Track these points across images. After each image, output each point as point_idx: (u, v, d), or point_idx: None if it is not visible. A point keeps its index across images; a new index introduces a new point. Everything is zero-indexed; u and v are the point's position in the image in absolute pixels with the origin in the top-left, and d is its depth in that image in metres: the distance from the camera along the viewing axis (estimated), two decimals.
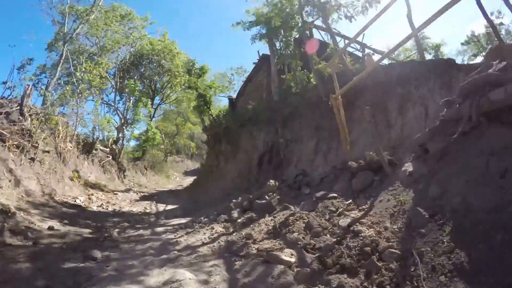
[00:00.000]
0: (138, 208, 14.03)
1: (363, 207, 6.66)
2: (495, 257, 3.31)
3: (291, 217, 6.98)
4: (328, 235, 5.83)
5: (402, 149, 8.80)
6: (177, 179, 35.48)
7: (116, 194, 17.36)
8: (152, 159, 33.13)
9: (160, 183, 30.06)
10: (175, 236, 8.13)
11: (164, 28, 31.57)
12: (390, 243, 4.71)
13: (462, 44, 30.23)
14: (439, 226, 4.30)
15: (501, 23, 27.61)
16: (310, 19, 17.39)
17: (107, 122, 23.74)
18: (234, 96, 28.43)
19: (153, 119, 34.91)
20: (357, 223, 5.75)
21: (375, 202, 6.51)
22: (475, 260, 3.46)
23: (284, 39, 17.70)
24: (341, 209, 6.79)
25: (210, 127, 23.73)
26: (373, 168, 7.96)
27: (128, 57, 28.91)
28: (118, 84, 26.86)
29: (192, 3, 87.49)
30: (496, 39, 11.87)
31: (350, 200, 7.21)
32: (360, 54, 21.13)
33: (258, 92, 22.14)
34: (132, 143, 33.28)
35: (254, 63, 22.33)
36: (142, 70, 32.49)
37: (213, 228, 8.09)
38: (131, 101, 27.52)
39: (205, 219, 9.21)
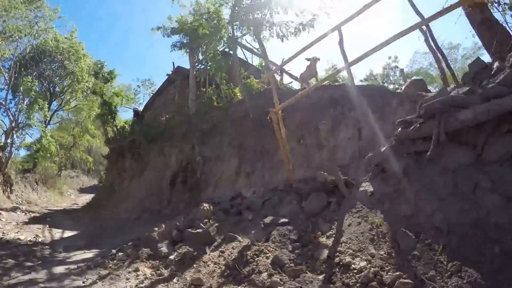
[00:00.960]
0: (27, 234, 10.72)
1: (329, 233, 5.82)
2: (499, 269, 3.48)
3: (247, 251, 5.74)
4: (310, 273, 4.88)
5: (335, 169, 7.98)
6: (71, 196, 30.96)
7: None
8: (45, 172, 28.26)
9: (53, 200, 25.71)
10: (84, 282, 5.86)
11: (73, 24, 27.43)
12: (397, 273, 4.14)
13: (361, 80, 31.59)
14: (427, 246, 4.27)
15: (396, 67, 30.32)
16: (238, 34, 15.81)
17: None
18: (140, 109, 25.48)
19: (48, 126, 30.34)
20: (337, 253, 5.06)
21: (343, 226, 5.76)
22: (487, 275, 3.51)
23: (208, 50, 15.78)
24: (304, 237, 5.91)
25: (114, 140, 20.60)
26: (327, 189, 7.15)
27: (28, 50, 24.48)
28: (13, 79, 22.39)
29: (109, 6, 79.46)
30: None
31: (309, 226, 6.26)
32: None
33: (168, 106, 19.87)
34: (23, 152, 28.31)
35: (167, 74, 20.04)
36: (42, 68, 28.02)
37: (138, 270, 6.23)
38: (25, 102, 23.15)
39: (120, 253, 7.25)
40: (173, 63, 19.93)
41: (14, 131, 22.20)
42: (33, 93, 22.65)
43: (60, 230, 12.03)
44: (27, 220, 13.78)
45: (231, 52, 15.29)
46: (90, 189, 35.39)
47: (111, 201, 18.10)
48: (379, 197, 5.75)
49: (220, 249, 6.37)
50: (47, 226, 12.58)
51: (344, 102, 10.16)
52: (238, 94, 14.54)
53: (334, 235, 5.62)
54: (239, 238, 6.55)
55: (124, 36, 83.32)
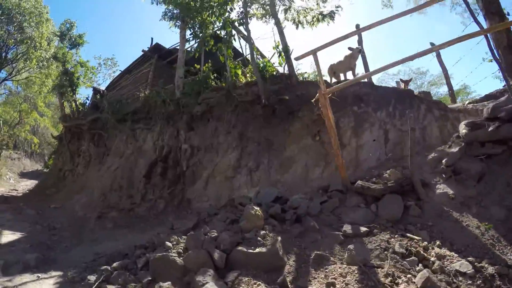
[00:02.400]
0: None
1: (438, 242, 4.64)
2: None
3: (372, 279, 3.85)
4: None
5: (362, 172, 7.60)
6: (11, 180, 25.73)
7: None
8: None
9: None
10: None
11: None
12: None
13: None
14: None
15: None
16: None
17: None
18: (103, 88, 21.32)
19: None
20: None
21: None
22: None
23: (213, 20, 12.41)
24: (411, 249, 4.46)
25: (72, 117, 16.38)
26: (403, 190, 5.76)
27: None
28: None
29: None
30: None
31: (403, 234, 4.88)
32: None
33: (137, 86, 16.17)
34: None
35: (143, 50, 16.26)
36: None
37: None
38: None
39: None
40: (151, 38, 16.16)
41: None
42: None
43: None
44: None
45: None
46: (32, 174, 30.07)
47: (62, 191, 13.96)
48: (462, 200, 5.37)
49: (322, 280, 4.05)
50: None
51: (369, 101, 9.02)
52: (240, 77, 11.35)
53: (442, 244, 4.59)
54: (331, 258, 4.47)
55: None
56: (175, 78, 12.05)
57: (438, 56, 12.28)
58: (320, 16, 11.73)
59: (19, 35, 23.99)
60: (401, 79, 11.51)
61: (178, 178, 10.76)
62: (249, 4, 11.79)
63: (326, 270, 4.22)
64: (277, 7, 11.60)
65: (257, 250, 4.44)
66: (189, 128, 11.17)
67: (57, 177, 16.85)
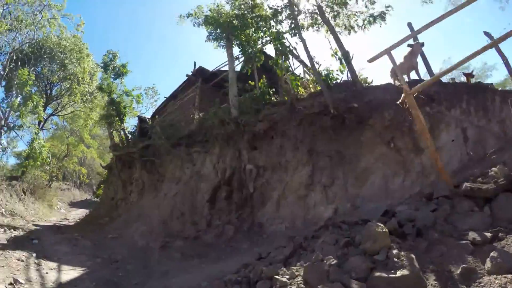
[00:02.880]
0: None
1: None
2: None
3: None
4: None
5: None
6: (61, 210, 25.81)
7: None
8: (34, 181, 23.20)
9: (41, 213, 20.65)
10: None
11: (81, 17, 22.81)
12: None
13: None
14: None
15: None
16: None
17: None
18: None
19: (41, 133, 25.62)
20: None
21: None
22: None
23: (264, 34, 11.67)
24: None
25: (122, 146, 15.94)
26: None
27: (27, 45, 20.20)
28: (7, 72, 17.86)
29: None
30: None
31: None
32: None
33: (184, 111, 15.54)
34: (12, 161, 23.43)
35: (187, 75, 15.75)
36: (40, 67, 23.53)
37: None
38: (18, 99, 18.63)
39: None
40: (194, 62, 15.56)
41: (2, 131, 17.58)
42: (28, 88, 18.17)
43: (54, 265, 7.37)
44: (5, 242, 9.16)
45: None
46: (82, 204, 30.21)
47: (116, 220, 13.27)
48: None
49: None
50: (34, 255, 7.93)
51: (440, 100, 8.23)
52: (300, 89, 10.51)
53: None
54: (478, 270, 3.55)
55: (130, 36, 75.25)
56: (229, 97, 11.18)
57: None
58: (371, 19, 10.73)
59: (62, 72, 24.35)
60: (464, 73, 10.64)
61: (245, 201, 9.77)
62: (296, 12, 11.05)
63: (481, 284, 3.35)
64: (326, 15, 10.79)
65: (399, 273, 3.45)
66: (251, 147, 10.21)
67: (109, 206, 16.33)
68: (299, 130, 9.49)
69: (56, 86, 26.16)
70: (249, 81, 11.68)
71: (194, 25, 12.82)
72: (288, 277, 4.28)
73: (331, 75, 10.46)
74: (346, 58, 10.01)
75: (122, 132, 16.38)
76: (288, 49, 10.96)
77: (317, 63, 10.39)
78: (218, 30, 12.22)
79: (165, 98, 17.58)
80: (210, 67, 15.50)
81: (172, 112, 16.56)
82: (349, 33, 11.19)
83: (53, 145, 30.91)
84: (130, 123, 17.79)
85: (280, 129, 9.91)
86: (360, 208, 7.43)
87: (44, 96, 24.81)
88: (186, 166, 11.70)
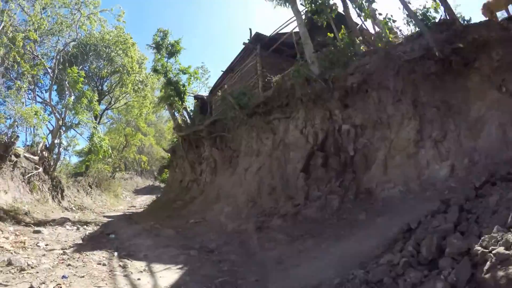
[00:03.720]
0: (82, 284, 4.61)
1: None
2: None
3: None
4: None
5: None
6: (127, 198, 25.56)
7: (39, 232, 8.17)
8: (98, 175, 22.90)
9: (109, 204, 20.48)
10: None
11: (121, 7, 21.42)
12: None
13: None
14: None
15: None
16: None
17: (35, 114, 13.71)
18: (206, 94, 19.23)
19: (99, 126, 25.08)
20: None
21: None
22: None
23: None
24: None
25: (185, 125, 14.53)
26: None
27: (71, 46, 19.35)
28: (57, 74, 16.89)
29: None
30: None
31: None
32: None
33: (245, 82, 13.80)
34: (74, 159, 23.10)
35: (244, 43, 13.92)
36: (88, 66, 22.70)
37: None
38: (72, 97, 17.73)
39: None
40: (250, 29, 13.54)
41: (61, 130, 16.78)
42: (80, 85, 17.16)
43: (143, 265, 5.83)
44: (80, 242, 7.80)
45: None
46: (145, 190, 29.90)
47: (192, 203, 11.92)
48: None
49: None
50: (115, 254, 6.54)
51: None
52: (388, 34, 8.40)
53: None
54: None
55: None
56: (306, 54, 9.28)
57: None
58: None
59: (110, 66, 23.39)
60: None
61: (344, 166, 7.96)
62: None
63: None
64: None
65: None
66: (344, 105, 8.36)
67: (179, 189, 15.13)
68: (398, 80, 7.57)
69: (106, 81, 25.46)
70: (325, 35, 9.68)
71: None
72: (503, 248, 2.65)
73: (428, 14, 8.24)
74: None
75: (184, 112, 14.97)
76: None
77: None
78: None
79: (222, 72, 15.81)
80: (267, 33, 13.56)
81: (232, 85, 14.92)
82: None
83: (112, 138, 30.50)
84: (189, 102, 16.28)
85: (375, 81, 7.95)
86: (478, 164, 6.06)
87: (96, 92, 24.09)
88: (265, 137, 10.02)
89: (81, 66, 21.11)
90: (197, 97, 17.40)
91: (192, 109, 16.10)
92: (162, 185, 25.74)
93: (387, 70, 7.73)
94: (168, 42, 15.19)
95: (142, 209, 18.88)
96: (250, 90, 11.17)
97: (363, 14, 8.80)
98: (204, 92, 20.55)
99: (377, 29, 9.16)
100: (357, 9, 8.84)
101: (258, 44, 13.36)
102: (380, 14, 8.64)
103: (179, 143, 15.67)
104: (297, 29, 12.58)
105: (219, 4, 67.43)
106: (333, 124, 8.47)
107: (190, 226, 9.34)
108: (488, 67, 6.55)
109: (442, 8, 8.13)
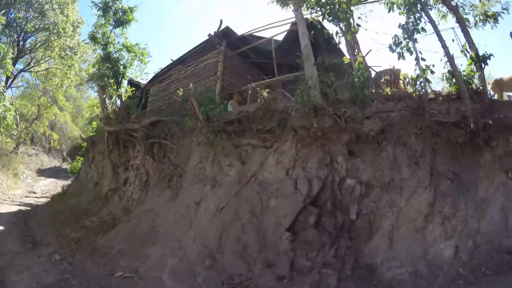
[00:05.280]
0: None
1: None
2: None
3: None
4: None
5: None
6: (28, 179, 19.77)
7: None
8: None
9: (4, 186, 15.03)
10: None
11: None
12: None
13: None
14: None
15: None
16: None
17: None
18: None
19: (9, 91, 19.22)
20: None
21: None
22: None
23: None
24: None
25: (116, 118, 10.43)
26: None
27: None
28: None
29: None
30: None
31: None
32: None
33: (197, 80, 10.55)
34: None
35: (209, 35, 10.55)
36: (12, 12, 17.08)
37: None
38: None
39: None
40: (220, 21, 10.17)
41: None
42: None
43: None
44: None
45: None
46: (50, 172, 23.96)
47: (112, 229, 7.70)
48: None
49: None
50: None
51: None
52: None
53: None
54: None
55: None
56: (305, 73, 6.49)
57: None
58: (483, 16, 7.32)
59: (39, 21, 17.97)
60: None
61: (341, 230, 5.49)
62: None
63: None
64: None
65: None
66: (349, 153, 5.83)
67: (93, 194, 11.02)
68: (420, 140, 5.82)
69: (31, 37, 19.51)
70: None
71: None
72: None
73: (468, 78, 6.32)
74: (483, 60, 6.30)
75: (117, 100, 10.92)
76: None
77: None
78: None
79: (171, 61, 12.08)
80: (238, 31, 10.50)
81: (179, 80, 11.44)
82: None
83: (23, 105, 24.18)
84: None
85: (394, 133, 5.90)
86: (480, 248, 5.28)
87: (16, 48, 18.37)
88: (226, 162, 6.89)
89: (3, 11, 15.70)
90: (131, 83, 13.30)
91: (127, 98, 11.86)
92: (71, 175, 20.55)
93: (410, 126, 5.83)
94: (120, 7, 10.98)
95: (43, 200, 14.22)
96: (221, 98, 7.86)
97: (398, 50, 6.28)
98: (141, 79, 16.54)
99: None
100: (393, 45, 6.28)
101: (224, 41, 10.23)
102: (423, 59, 6.20)
103: (101, 135, 11.45)
104: (278, 37, 9.90)
105: None
106: (333, 173, 5.81)
107: (117, 283, 5.64)
108: (503, 148, 5.81)
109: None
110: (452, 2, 7.45)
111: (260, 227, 5.71)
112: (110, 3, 10.78)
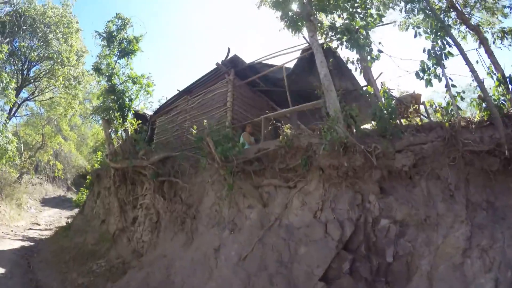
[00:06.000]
0: None
1: None
2: None
3: None
4: None
5: None
6: (31, 209, 19.18)
7: None
8: (1, 177, 16.68)
9: (7, 217, 14.53)
10: None
11: None
12: None
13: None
14: None
15: None
16: None
17: None
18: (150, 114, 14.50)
19: (13, 119, 18.83)
20: None
21: None
22: None
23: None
24: None
25: (123, 153, 9.80)
26: None
27: (3, 10, 14.38)
28: None
29: None
30: None
31: None
32: None
33: (206, 112, 10.08)
34: None
35: (217, 64, 10.07)
36: (17, 41, 16.91)
37: None
38: None
39: None
40: (228, 49, 9.61)
41: None
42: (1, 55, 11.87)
43: None
44: None
45: None
46: (54, 201, 23.31)
47: (123, 276, 7.18)
48: None
49: None
50: None
51: None
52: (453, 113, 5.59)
53: None
54: None
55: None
56: (327, 105, 5.96)
57: None
58: (501, 34, 7.32)
59: (43, 50, 17.72)
60: None
61: (377, 275, 4.81)
62: None
63: None
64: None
65: None
66: (381, 190, 5.23)
67: (100, 233, 10.34)
68: (453, 171, 5.26)
69: (35, 66, 19.31)
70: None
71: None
72: None
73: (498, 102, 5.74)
74: (505, 80, 5.81)
75: (123, 134, 10.34)
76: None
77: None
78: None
79: (177, 92, 11.66)
80: (247, 60, 10.06)
81: (188, 110, 11.01)
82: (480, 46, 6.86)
83: (27, 134, 23.77)
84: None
85: (427, 166, 5.29)
86: None
87: (20, 76, 18.11)
88: (245, 204, 6.28)
89: (7, 39, 15.41)
90: (137, 115, 12.81)
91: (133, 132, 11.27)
92: (75, 206, 19.86)
93: (442, 157, 5.27)
94: (125, 36, 10.52)
95: (47, 232, 13.73)
96: (233, 134, 7.27)
97: (425, 77, 5.79)
98: (147, 110, 15.89)
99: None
100: (420, 72, 5.80)
101: (233, 69, 9.82)
102: (454, 85, 5.71)
103: (107, 168, 10.81)
104: (289, 64, 9.45)
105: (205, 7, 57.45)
106: (365, 213, 5.18)
107: None
108: None
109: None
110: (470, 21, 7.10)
111: (290, 277, 5.03)
112: (115, 33, 10.34)
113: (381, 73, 9.16)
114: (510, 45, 7.49)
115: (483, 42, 6.55)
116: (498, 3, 7.40)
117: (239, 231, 6.07)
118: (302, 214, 5.54)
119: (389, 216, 5.14)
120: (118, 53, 10.46)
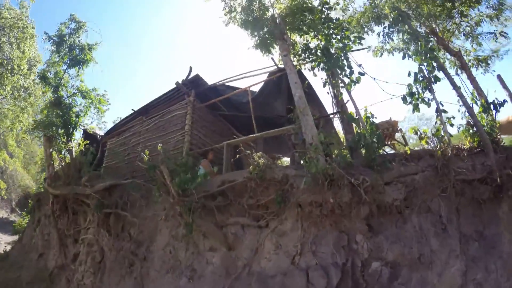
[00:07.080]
0: None
1: None
2: None
3: None
4: None
5: None
6: None
7: None
8: None
9: None
10: None
11: None
12: None
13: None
14: None
15: None
16: None
17: None
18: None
19: None
20: None
21: None
22: None
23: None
24: None
25: (65, 178, 8.14)
26: None
27: None
28: None
29: None
30: None
31: None
32: None
33: (161, 134, 8.85)
34: None
35: (177, 83, 8.55)
36: None
37: None
38: None
39: None
40: (190, 67, 8.38)
41: None
42: None
43: None
44: None
45: None
46: None
47: None
48: None
49: None
50: None
51: None
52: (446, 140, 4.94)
53: None
54: None
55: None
56: (303, 128, 5.05)
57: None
58: (475, 61, 7.33)
59: None
60: None
61: None
62: None
63: None
64: None
65: None
66: (369, 228, 4.33)
67: (36, 270, 8.52)
68: (444, 202, 4.73)
69: None
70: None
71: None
72: None
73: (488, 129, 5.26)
74: (495, 107, 5.49)
75: (67, 155, 8.72)
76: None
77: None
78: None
79: (132, 112, 10.21)
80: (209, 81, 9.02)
81: (142, 133, 9.67)
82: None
83: None
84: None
85: (418, 199, 4.64)
86: None
87: None
88: (206, 246, 5.09)
89: None
90: (86, 134, 11.20)
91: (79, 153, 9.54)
92: (15, 230, 17.35)
93: (433, 188, 4.69)
94: (78, 43, 9.04)
95: None
96: (193, 162, 6.06)
97: (412, 102, 5.13)
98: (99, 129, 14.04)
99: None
100: (407, 96, 5.13)
101: (193, 90, 8.71)
102: (444, 111, 5.09)
103: (51, 202, 9.01)
104: (254, 88, 8.53)
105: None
106: (353, 256, 4.26)
107: None
108: None
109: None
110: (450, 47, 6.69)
111: None
112: (66, 37, 8.85)
113: (349, 100, 8.49)
114: (482, 73, 7.32)
115: (464, 67, 6.14)
116: (475, 31, 7.13)
117: (199, 278, 4.85)
118: (277, 259, 4.48)
119: (379, 257, 4.31)
120: (69, 61, 8.94)
